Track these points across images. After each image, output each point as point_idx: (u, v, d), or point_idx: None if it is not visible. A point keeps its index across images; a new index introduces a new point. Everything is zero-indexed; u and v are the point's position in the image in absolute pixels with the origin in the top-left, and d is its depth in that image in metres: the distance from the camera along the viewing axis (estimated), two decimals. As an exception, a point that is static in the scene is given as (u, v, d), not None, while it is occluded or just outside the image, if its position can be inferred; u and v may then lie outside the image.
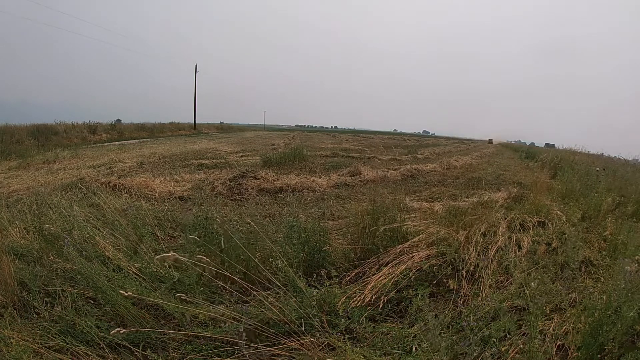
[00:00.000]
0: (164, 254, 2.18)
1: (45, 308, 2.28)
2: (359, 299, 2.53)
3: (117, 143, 18.19)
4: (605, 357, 1.90)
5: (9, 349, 1.86)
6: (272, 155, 11.00)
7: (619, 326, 1.90)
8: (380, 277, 2.76)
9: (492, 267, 2.91)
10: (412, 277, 2.77)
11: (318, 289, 2.46)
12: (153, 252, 3.06)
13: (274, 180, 7.23)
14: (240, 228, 3.09)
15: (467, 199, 5.69)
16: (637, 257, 2.25)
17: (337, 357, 1.94)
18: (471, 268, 2.87)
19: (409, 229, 3.42)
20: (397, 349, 2.08)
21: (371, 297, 2.54)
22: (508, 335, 2.05)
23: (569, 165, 9.14)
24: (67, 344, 2.04)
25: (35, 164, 9.54)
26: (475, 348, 1.86)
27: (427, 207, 4.85)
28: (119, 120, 26.02)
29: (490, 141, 49.30)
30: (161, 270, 2.66)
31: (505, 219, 3.87)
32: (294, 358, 1.98)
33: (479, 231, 3.37)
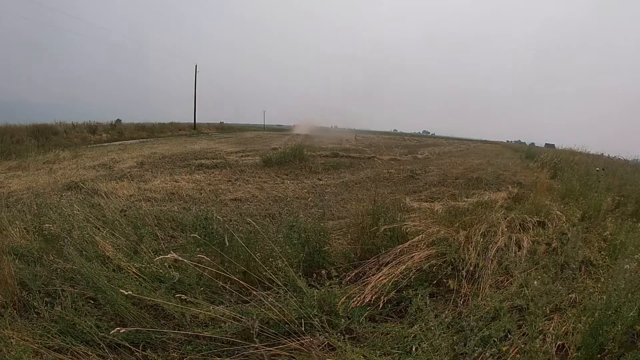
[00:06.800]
0: (164, 255, 2.18)
1: (45, 308, 2.28)
2: (359, 299, 2.53)
3: (117, 143, 18.18)
4: (605, 357, 1.90)
5: (9, 349, 1.86)
6: (272, 155, 10.98)
7: (619, 326, 1.90)
8: (380, 277, 2.75)
9: (492, 267, 2.91)
10: (412, 277, 2.76)
11: (318, 289, 2.46)
12: (153, 252, 3.06)
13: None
14: (241, 228, 3.10)
15: (467, 199, 5.69)
16: (637, 257, 2.25)
17: (337, 357, 1.94)
18: (471, 268, 2.87)
19: (409, 229, 3.42)
20: (397, 349, 2.07)
21: (371, 297, 2.54)
22: (509, 335, 2.05)
23: (569, 165, 9.14)
24: (67, 344, 2.04)
25: (35, 164, 9.54)
26: (475, 348, 1.86)
27: (427, 207, 4.85)
28: (119, 120, 25.96)
29: None
30: (161, 270, 2.66)
31: (505, 219, 3.86)
32: (294, 358, 1.98)
33: (479, 231, 3.37)
